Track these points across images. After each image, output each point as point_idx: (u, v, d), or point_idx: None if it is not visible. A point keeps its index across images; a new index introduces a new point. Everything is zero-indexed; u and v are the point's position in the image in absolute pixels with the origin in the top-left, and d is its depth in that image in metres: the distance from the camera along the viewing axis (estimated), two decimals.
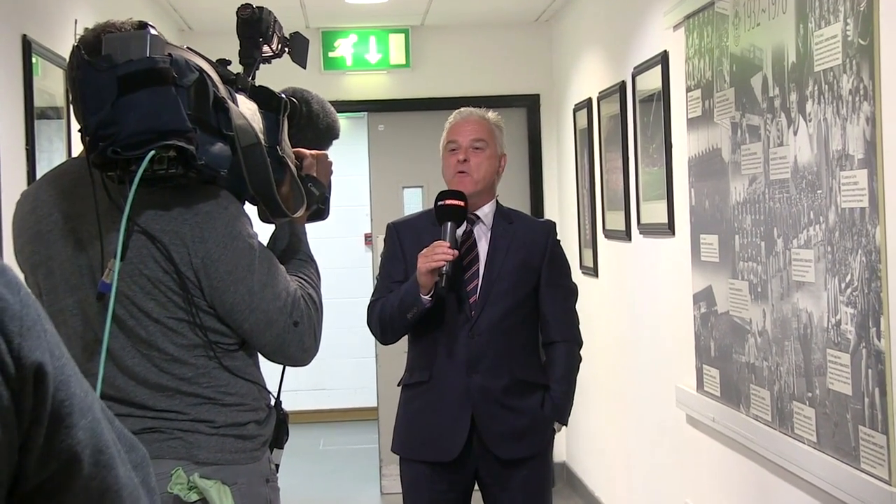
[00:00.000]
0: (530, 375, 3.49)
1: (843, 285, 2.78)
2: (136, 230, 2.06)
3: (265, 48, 2.32)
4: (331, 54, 6.97)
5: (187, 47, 2.11)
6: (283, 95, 2.27)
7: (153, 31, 2.02)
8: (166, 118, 1.97)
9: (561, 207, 6.94)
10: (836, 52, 2.77)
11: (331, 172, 2.43)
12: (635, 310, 5.09)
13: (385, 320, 3.42)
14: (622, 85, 5.12)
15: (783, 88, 3.12)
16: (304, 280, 2.25)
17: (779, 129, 3.16)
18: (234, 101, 2.13)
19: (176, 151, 1.97)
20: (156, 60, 1.98)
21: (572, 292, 3.62)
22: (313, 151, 2.38)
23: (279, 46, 2.36)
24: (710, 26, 3.73)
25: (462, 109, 3.58)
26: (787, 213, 3.11)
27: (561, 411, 3.51)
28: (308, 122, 2.46)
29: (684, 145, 4.08)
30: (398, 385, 3.58)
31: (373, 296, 3.54)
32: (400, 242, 3.52)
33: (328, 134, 2.52)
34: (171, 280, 2.08)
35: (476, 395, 3.41)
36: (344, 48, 6.99)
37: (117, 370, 2.10)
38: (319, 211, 2.41)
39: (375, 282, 3.68)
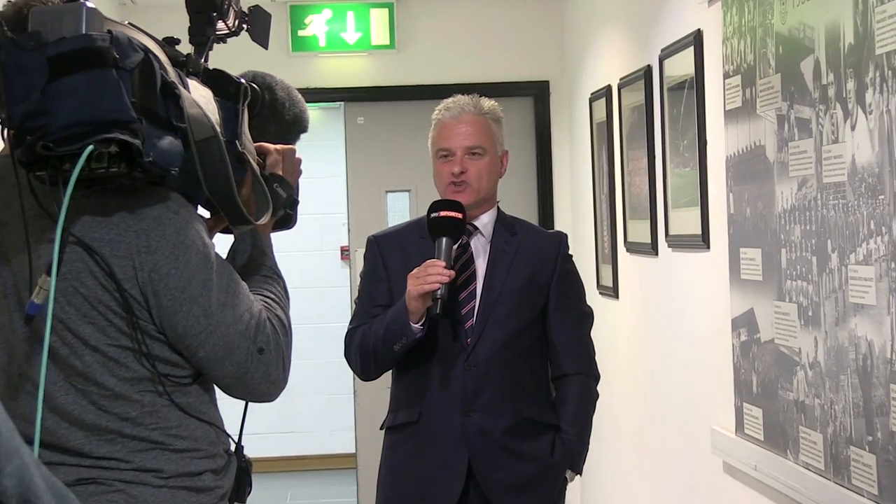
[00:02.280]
0: (538, 414, 3.48)
1: None
2: (69, 241, 2.05)
3: (220, 25, 2.32)
4: (300, 33, 6.98)
5: (129, 23, 2.11)
6: (243, 81, 2.27)
7: (89, 4, 2.02)
8: (106, 107, 1.96)
9: (574, 216, 6.94)
10: None
11: (299, 172, 2.43)
12: (663, 338, 5.09)
13: (367, 352, 3.41)
14: (647, 70, 5.13)
15: (838, 75, 3.12)
16: (271, 299, 2.25)
17: (833, 122, 3.16)
18: (186, 86, 2.13)
19: (118, 146, 1.97)
20: (93, 38, 1.98)
21: (587, 316, 3.62)
22: (278, 146, 2.38)
23: (236, 23, 2.36)
24: (751, 1, 3.75)
25: (450, 103, 3.57)
26: (844, 223, 3.11)
27: (574, 457, 3.50)
28: (271, 113, 2.46)
29: (721, 142, 4.09)
30: (381, 428, 3.58)
31: (351, 322, 3.54)
32: (382, 259, 3.52)
33: (295, 126, 2.52)
34: (113, 299, 2.08)
35: (473, 437, 3.40)
36: (316, 25, 7.00)
37: (46, 409, 2.08)
38: (286, 217, 2.41)
39: (354, 305, 3.68)
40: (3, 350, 2.12)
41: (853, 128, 3.04)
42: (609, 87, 5.92)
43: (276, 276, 2.32)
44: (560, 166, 7.17)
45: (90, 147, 1.95)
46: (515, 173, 6.99)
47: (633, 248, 5.53)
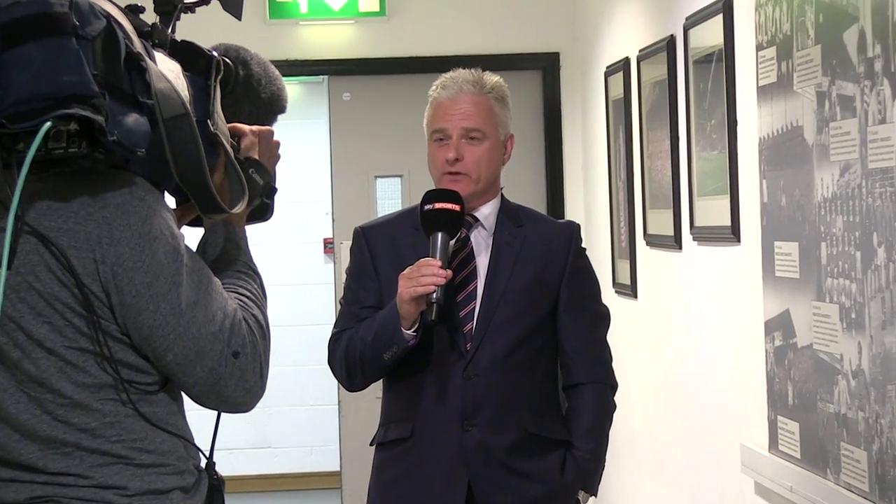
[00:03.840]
0: (545, 429, 3.48)
1: None
2: (23, 230, 2.06)
3: None
4: None
5: None
6: (215, 54, 2.28)
7: None
8: (65, 79, 1.97)
9: (588, 205, 6.95)
10: None
11: (277, 156, 2.43)
12: (687, 343, 5.09)
13: (353, 360, 3.41)
14: (670, 41, 5.13)
15: (886, 47, 3.12)
16: (247, 297, 2.26)
17: (880, 100, 3.16)
18: (153, 58, 2.13)
19: (78, 124, 1.98)
20: (50, 3, 1.98)
21: (603, 318, 3.62)
22: (254, 127, 2.38)
23: None
24: None
25: (447, 79, 3.55)
26: (892, 214, 3.11)
27: (588, 477, 3.50)
28: (246, 91, 2.47)
29: (754, 122, 4.09)
30: (371, 444, 3.58)
31: (336, 325, 3.53)
32: (371, 253, 3.51)
33: (271, 107, 2.53)
34: (71, 296, 2.08)
35: (473, 455, 3.40)
36: None
37: None
38: (263, 207, 2.41)
39: (339, 306, 3.67)
40: None
41: None
42: (627, 60, 5.92)
43: (251, 273, 2.33)
44: (571, 149, 7.17)
45: (47, 124, 1.96)
46: (521, 157, 6.97)
47: (653, 241, 5.53)
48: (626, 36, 5.99)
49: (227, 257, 2.31)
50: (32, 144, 1.95)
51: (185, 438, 2.21)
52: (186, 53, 2.24)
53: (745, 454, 4.25)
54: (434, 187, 3.47)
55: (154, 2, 2.31)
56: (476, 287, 3.47)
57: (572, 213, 7.02)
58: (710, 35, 4.55)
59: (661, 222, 5.33)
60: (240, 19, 2.48)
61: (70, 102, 1.96)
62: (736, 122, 4.32)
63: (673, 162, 5.09)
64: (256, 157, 2.36)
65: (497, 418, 3.42)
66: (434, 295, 3.26)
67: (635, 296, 5.90)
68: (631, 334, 5.88)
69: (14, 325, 2.09)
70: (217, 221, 2.30)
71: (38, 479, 2.10)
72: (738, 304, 4.37)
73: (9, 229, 2.00)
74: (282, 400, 8.90)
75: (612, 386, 3.59)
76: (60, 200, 2.08)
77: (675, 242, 5.12)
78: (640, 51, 5.65)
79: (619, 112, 6.10)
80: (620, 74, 6.02)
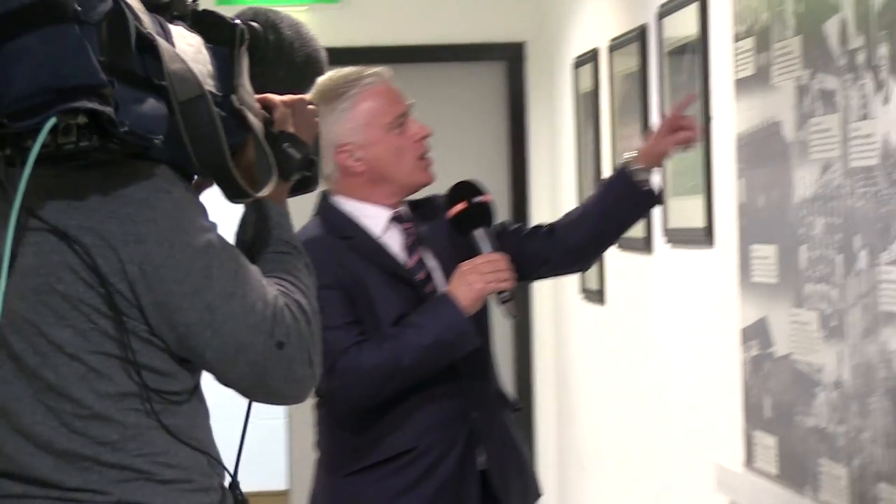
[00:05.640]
0: (502, 386, 3.67)
1: None
2: (43, 228, 2.08)
3: None
4: None
5: None
6: (238, 22, 2.27)
7: None
8: (68, 70, 1.97)
9: (554, 204, 6.95)
10: None
11: (315, 125, 2.42)
12: (657, 352, 5.11)
13: (397, 371, 3.36)
14: (642, 30, 5.15)
15: (869, 38, 3.14)
16: (288, 281, 2.25)
17: (863, 95, 3.18)
18: (168, 35, 2.13)
19: (87, 116, 1.98)
20: None
21: None
22: (286, 97, 2.38)
23: None
24: None
25: (357, 69, 3.56)
26: (875, 215, 3.13)
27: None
28: (277, 56, 2.49)
29: (731, 117, 4.11)
30: (344, 475, 3.49)
31: (339, 344, 3.40)
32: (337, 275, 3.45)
33: (309, 70, 2.55)
34: (97, 298, 2.09)
35: (485, 438, 3.52)
36: None
37: (10, 430, 2.11)
38: (306, 180, 2.41)
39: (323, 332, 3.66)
40: None
41: (886, 101, 3.06)
42: (597, 51, 5.93)
43: (294, 252, 2.31)
44: (537, 146, 7.17)
45: (51, 121, 1.96)
46: (483, 153, 7.00)
47: (623, 243, 5.53)
48: (595, 25, 6.01)
49: (268, 237, 2.30)
50: (36, 143, 1.95)
51: (209, 454, 2.22)
52: (209, 24, 2.24)
53: (720, 472, 4.26)
54: (405, 181, 3.48)
55: None
56: (435, 284, 3.48)
57: (538, 212, 7.02)
58: (684, 25, 4.57)
59: None
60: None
61: (75, 94, 1.96)
62: (711, 117, 4.34)
63: None
64: (291, 129, 2.35)
65: (491, 396, 3.55)
66: (507, 292, 3.39)
67: (603, 302, 5.91)
68: (598, 342, 5.89)
69: (34, 330, 2.09)
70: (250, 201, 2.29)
71: (52, 494, 2.10)
72: (712, 310, 4.39)
73: (11, 225, 2.01)
74: (221, 412, 8.84)
75: None
76: (80, 197, 2.09)
77: (646, 245, 5.14)
78: (610, 41, 5.66)
79: (588, 106, 6.11)
80: (590, 66, 6.04)
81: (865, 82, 3.16)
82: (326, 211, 3.49)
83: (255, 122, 2.25)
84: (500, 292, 3.40)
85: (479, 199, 3.49)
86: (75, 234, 2.08)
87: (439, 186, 3.55)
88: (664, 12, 4.82)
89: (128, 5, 2.06)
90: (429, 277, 3.48)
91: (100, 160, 2.05)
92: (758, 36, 3.84)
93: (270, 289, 2.19)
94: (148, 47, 2.07)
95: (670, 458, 4.96)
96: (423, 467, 3.44)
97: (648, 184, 3.59)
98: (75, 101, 1.96)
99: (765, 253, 3.83)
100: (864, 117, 3.17)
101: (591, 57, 6.02)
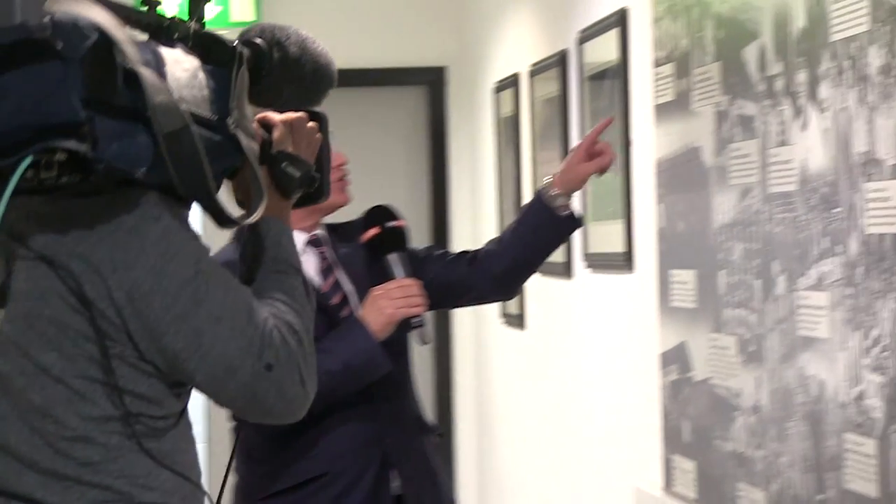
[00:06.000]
0: (423, 412, 3.66)
1: (868, 343, 2.81)
2: (31, 257, 2.11)
3: None
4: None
5: None
6: (237, 43, 2.26)
7: None
8: (48, 109, 1.97)
9: (475, 229, 6.95)
10: (861, 16, 2.81)
11: (316, 141, 2.41)
12: (577, 377, 5.11)
13: (333, 388, 3.36)
14: (562, 56, 5.16)
15: (787, 64, 3.16)
16: (282, 302, 2.25)
17: (781, 121, 3.20)
18: (160, 63, 2.12)
19: (66, 153, 1.99)
20: (29, 29, 1.98)
21: None
22: (285, 116, 2.37)
23: None
24: None
25: None
26: (793, 241, 3.15)
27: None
28: (284, 73, 2.48)
29: (650, 142, 4.12)
30: (258, 499, 3.48)
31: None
32: None
33: (318, 84, 2.53)
34: (84, 322, 2.10)
35: (399, 461, 3.48)
36: None
37: None
38: (312, 194, 2.41)
39: None
40: None
41: (804, 127, 3.08)
42: (517, 76, 5.94)
43: (292, 272, 2.31)
44: (458, 171, 7.17)
45: (28, 159, 1.97)
46: (404, 177, 6.98)
47: (543, 268, 5.48)
48: (516, 50, 6.02)
49: (266, 256, 2.31)
50: (11, 182, 1.97)
51: (191, 480, 2.22)
52: (207, 45, 2.23)
53: (640, 497, 4.27)
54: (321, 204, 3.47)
55: None
56: (351, 308, 3.47)
57: (458, 237, 7.02)
58: (605, 50, 4.58)
59: None
60: None
61: (54, 133, 1.97)
62: (631, 142, 4.35)
63: None
64: (290, 149, 2.34)
65: (408, 420, 3.52)
66: (419, 319, 3.38)
67: (522, 326, 5.91)
68: (518, 366, 5.89)
69: (21, 352, 2.11)
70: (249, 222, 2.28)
71: None
72: (632, 335, 4.40)
73: None
74: None
75: None
76: (69, 224, 2.10)
77: (566, 270, 5.14)
78: (531, 66, 5.67)
79: (509, 130, 6.12)
80: (510, 91, 6.05)
81: (784, 108, 3.18)
82: (242, 234, 3.47)
83: (250, 144, 2.25)
84: (412, 318, 3.39)
85: (392, 223, 3.48)
86: (64, 261, 2.10)
87: (360, 209, 3.55)
88: (585, 38, 4.84)
89: (114, 37, 2.05)
90: (345, 301, 3.46)
91: (88, 189, 2.07)
92: (678, 62, 3.86)
93: (262, 311, 2.20)
94: (133, 81, 2.07)
95: (590, 481, 4.96)
96: (335, 492, 3.42)
97: (567, 208, 3.58)
98: (53, 139, 1.97)
99: (684, 278, 3.85)
100: (783, 143, 3.19)
101: (511, 82, 6.03)
